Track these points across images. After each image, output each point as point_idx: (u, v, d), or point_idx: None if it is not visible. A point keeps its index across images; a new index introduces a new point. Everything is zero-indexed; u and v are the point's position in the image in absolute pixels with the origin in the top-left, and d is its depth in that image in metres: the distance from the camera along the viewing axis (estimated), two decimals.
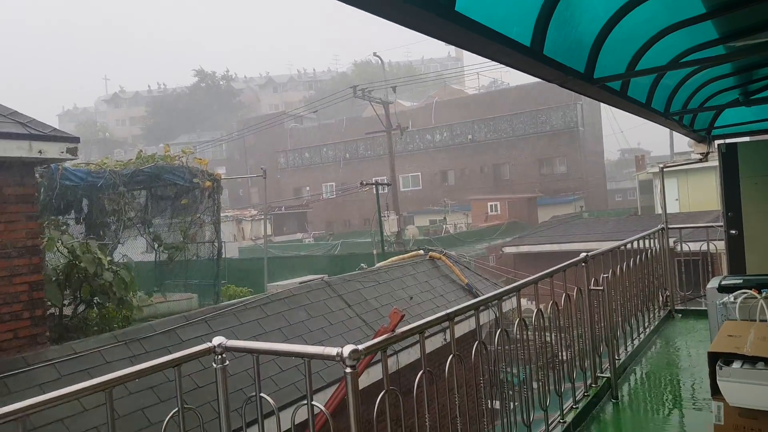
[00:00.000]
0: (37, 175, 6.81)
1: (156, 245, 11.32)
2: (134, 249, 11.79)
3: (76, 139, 6.17)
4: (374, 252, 18.67)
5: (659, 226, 7.14)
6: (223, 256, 12.77)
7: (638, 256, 6.03)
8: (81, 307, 8.10)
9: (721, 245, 7.52)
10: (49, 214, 9.80)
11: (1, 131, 5.50)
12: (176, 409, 2.53)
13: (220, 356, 2.60)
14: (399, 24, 1.80)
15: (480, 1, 2.08)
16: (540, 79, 3.23)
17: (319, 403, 2.56)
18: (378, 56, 33.02)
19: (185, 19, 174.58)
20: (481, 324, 3.31)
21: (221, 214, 12.77)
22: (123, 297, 8.01)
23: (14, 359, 5.30)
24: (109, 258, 8.58)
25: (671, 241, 7.57)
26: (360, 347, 2.29)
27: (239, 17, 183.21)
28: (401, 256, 11.68)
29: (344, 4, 1.61)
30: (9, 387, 4.98)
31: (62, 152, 5.99)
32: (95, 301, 8.07)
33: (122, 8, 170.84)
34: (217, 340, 2.61)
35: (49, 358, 5.43)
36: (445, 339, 7.18)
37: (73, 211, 10.84)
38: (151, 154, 11.49)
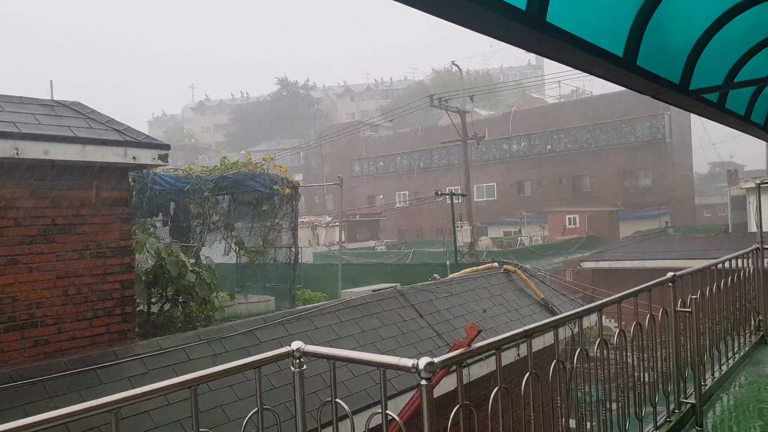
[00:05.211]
0: (130, 179, 7.25)
1: (237, 249, 11.77)
2: (217, 251, 12.32)
3: (167, 146, 6.49)
4: (447, 262, 18.53)
5: (754, 246, 6.69)
6: (299, 261, 13.10)
7: (729, 277, 5.65)
8: (167, 306, 8.54)
9: None
10: (140, 217, 10.41)
11: (100, 138, 5.89)
12: (255, 409, 2.60)
13: (298, 360, 2.65)
14: (490, 36, 1.78)
15: (571, 12, 2.02)
16: (631, 90, 3.10)
17: (391, 410, 2.55)
18: (456, 65, 32.90)
19: (269, 33, 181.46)
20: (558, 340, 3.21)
21: (298, 220, 13.12)
22: (206, 297, 8.37)
23: (105, 352, 5.65)
24: (192, 260, 8.99)
25: (766, 262, 7.05)
26: (435, 360, 2.26)
27: (319, 26, 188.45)
28: (475, 268, 11.53)
29: (433, 17, 1.62)
30: (101, 378, 5.31)
31: (154, 158, 6.33)
32: (180, 300, 8.48)
33: (202, 32, 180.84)
34: (296, 345, 2.64)
35: (138, 352, 5.74)
36: (518, 354, 7.01)
37: (161, 214, 11.47)
38: (234, 162, 11.98)
